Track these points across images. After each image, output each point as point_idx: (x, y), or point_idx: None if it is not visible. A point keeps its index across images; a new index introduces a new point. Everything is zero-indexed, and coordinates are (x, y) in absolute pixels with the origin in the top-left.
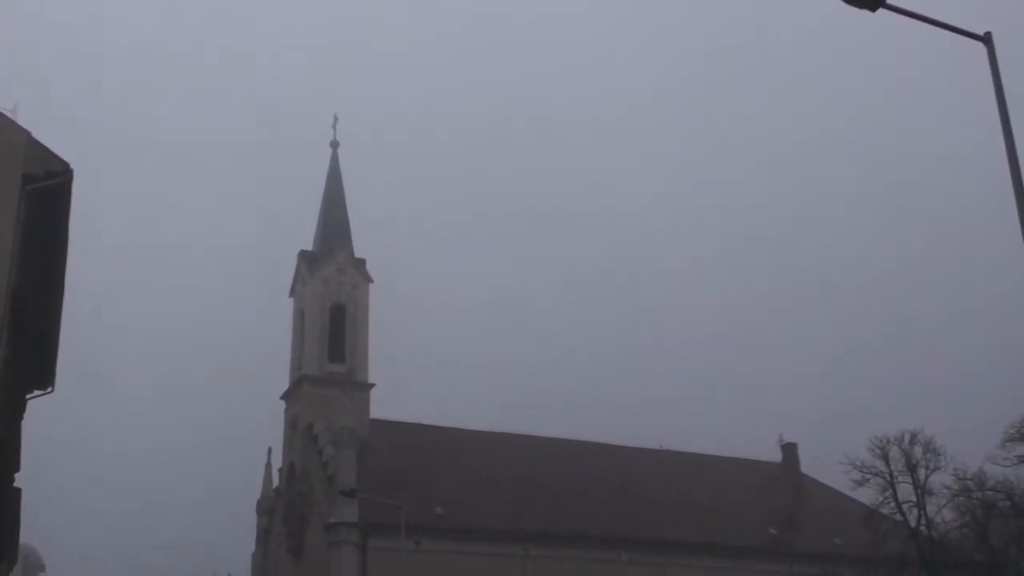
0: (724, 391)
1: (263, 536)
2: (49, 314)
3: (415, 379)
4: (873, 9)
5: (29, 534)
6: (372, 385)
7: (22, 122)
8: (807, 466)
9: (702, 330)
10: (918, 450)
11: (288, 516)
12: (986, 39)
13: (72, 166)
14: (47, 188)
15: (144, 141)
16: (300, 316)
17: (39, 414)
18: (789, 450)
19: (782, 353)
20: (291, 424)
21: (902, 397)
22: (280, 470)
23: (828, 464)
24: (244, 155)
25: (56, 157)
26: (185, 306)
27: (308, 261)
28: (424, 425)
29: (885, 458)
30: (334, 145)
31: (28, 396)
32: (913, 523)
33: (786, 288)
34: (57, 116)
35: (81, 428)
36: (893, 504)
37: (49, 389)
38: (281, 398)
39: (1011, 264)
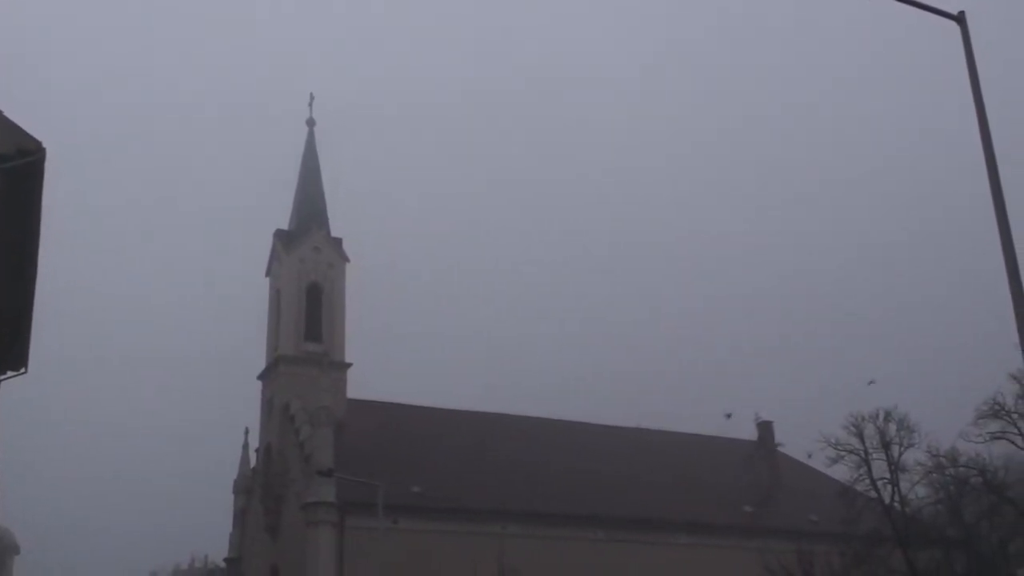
0: (701, 370)
1: (240, 516)
2: (21, 295)
3: (393, 359)
4: None
5: (3, 516)
6: (349, 365)
7: None
8: (783, 444)
9: (679, 310)
10: (892, 427)
11: (265, 496)
12: (959, 19)
13: (44, 144)
14: (19, 167)
15: (118, 118)
16: (276, 296)
17: (12, 397)
18: (765, 428)
19: (759, 333)
20: (268, 404)
21: (878, 375)
22: (257, 450)
23: (803, 442)
24: (220, 131)
25: (28, 135)
26: (160, 287)
27: (284, 240)
28: (401, 404)
29: (860, 435)
30: (310, 123)
31: (1, 378)
32: (887, 499)
33: (764, 268)
34: (30, 92)
35: (56, 410)
36: (867, 481)
37: (23, 371)
38: (258, 378)
39: (986, 242)
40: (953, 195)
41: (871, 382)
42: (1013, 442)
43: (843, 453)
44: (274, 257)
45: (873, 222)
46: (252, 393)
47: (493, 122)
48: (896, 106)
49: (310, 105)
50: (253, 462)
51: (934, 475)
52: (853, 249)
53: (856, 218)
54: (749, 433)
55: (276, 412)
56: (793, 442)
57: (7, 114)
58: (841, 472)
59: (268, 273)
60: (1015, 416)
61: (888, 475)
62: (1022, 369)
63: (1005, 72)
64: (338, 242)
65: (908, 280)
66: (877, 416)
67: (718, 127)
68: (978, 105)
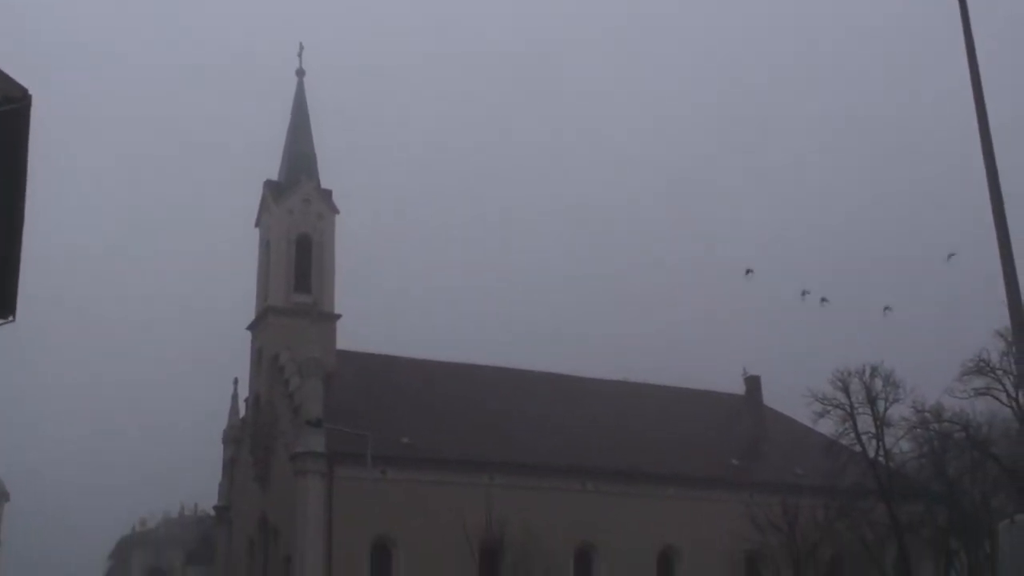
0: (690, 324)
1: (229, 466)
2: (9, 242)
3: (382, 311)
4: None
5: None
6: (338, 316)
7: None
8: (769, 398)
9: (669, 264)
10: (878, 383)
11: (254, 446)
12: None
13: (30, 91)
14: (5, 114)
15: (106, 61)
16: (266, 247)
17: (0, 345)
18: (752, 383)
19: (745, 287)
20: (257, 355)
21: (864, 331)
22: (246, 400)
23: (790, 396)
24: (210, 80)
25: (14, 82)
26: (150, 235)
27: (273, 191)
28: (390, 356)
29: (846, 391)
30: (300, 74)
31: None
32: (872, 454)
33: (752, 223)
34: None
35: (45, 358)
36: (853, 435)
37: (10, 318)
38: (247, 329)
39: (975, 199)
40: (945, 153)
41: (823, 300)
42: (997, 398)
43: (829, 408)
44: (264, 208)
45: (861, 185)
46: (242, 344)
47: (485, 74)
48: (886, 63)
49: (299, 55)
50: (242, 412)
51: (918, 430)
52: (840, 205)
53: (846, 172)
54: (736, 387)
55: (265, 363)
56: (780, 397)
57: None
58: (827, 427)
59: (258, 224)
60: (1000, 373)
61: (873, 430)
62: (1008, 326)
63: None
64: (328, 193)
65: (896, 236)
66: (863, 371)
67: (706, 85)
68: (971, 62)
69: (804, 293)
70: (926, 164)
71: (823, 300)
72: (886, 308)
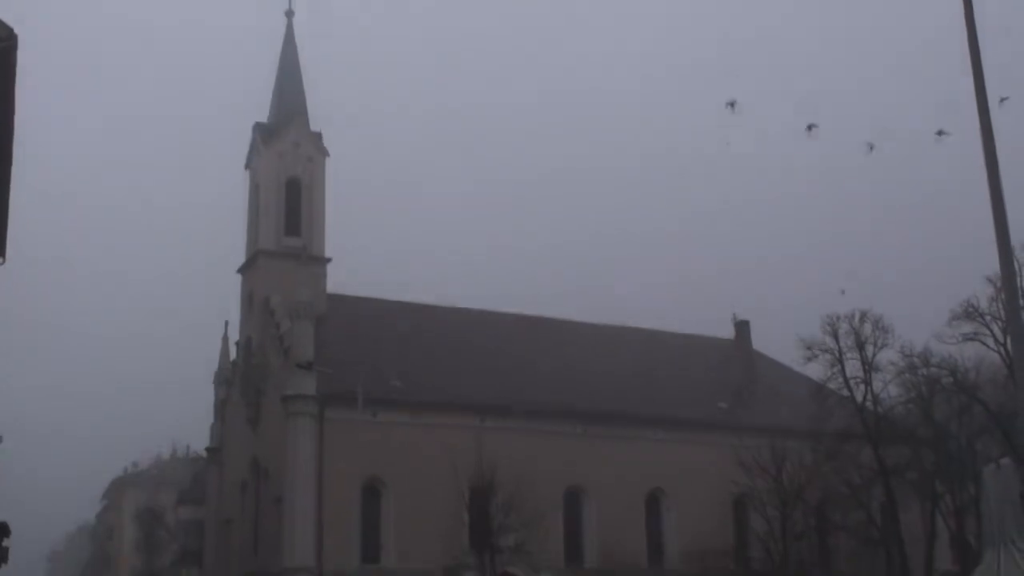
0: (681, 269)
1: (221, 408)
2: None
3: (373, 254)
4: None
5: None
6: (328, 259)
7: None
8: (759, 343)
9: (662, 212)
10: (867, 328)
11: (246, 388)
12: None
13: (16, 31)
14: None
15: (97, 6)
16: (255, 189)
17: None
18: (742, 327)
19: (739, 233)
20: (248, 298)
21: (855, 277)
22: (237, 343)
23: (780, 341)
24: (198, 19)
25: (0, 22)
26: (140, 178)
27: (263, 134)
28: (381, 300)
29: (835, 335)
30: (289, 15)
31: None
32: (859, 398)
33: (744, 172)
34: None
35: (36, 302)
36: (841, 380)
37: (0, 261)
38: (238, 272)
39: (967, 148)
40: (935, 103)
41: (843, 291)
42: (985, 343)
43: (818, 353)
44: (253, 150)
45: (853, 129)
46: (232, 287)
47: (477, 17)
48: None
49: None
50: (233, 355)
51: (906, 375)
52: (833, 151)
53: (837, 121)
54: (726, 332)
55: (256, 306)
56: (769, 342)
57: None
58: (815, 371)
59: (248, 167)
60: (988, 318)
61: (861, 374)
62: (997, 272)
63: None
64: (318, 136)
65: (887, 183)
66: (852, 316)
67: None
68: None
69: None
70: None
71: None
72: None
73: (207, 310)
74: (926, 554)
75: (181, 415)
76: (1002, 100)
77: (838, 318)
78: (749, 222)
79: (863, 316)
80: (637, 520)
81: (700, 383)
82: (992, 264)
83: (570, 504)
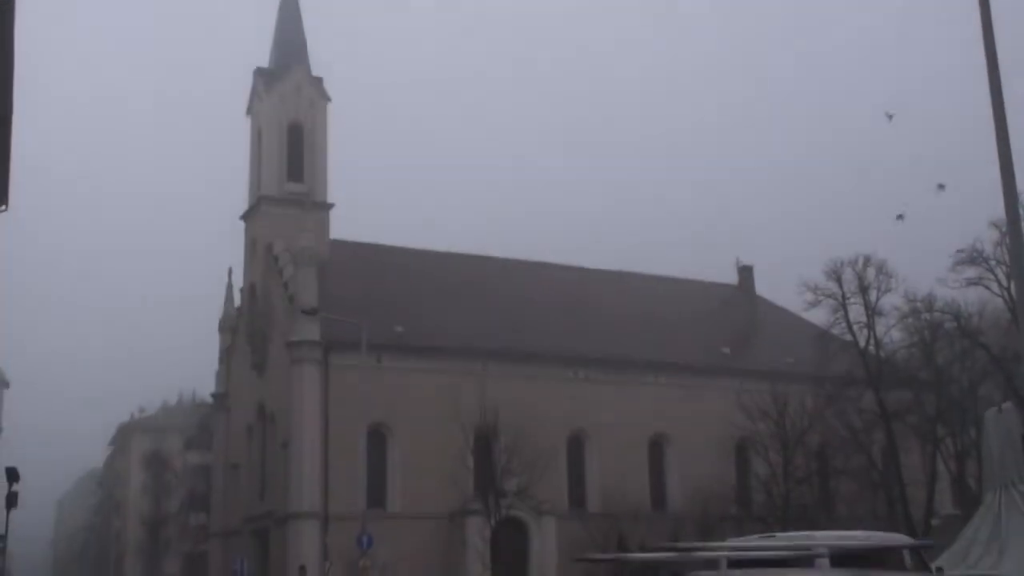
0: (686, 214)
1: (226, 354)
2: None
3: (376, 200)
4: None
5: None
6: (331, 205)
7: None
8: (762, 288)
9: (666, 156)
10: (871, 272)
11: (251, 335)
12: None
13: None
14: None
15: None
16: (257, 135)
17: None
18: (745, 273)
19: (744, 179)
20: (251, 244)
21: (859, 222)
22: (241, 290)
23: (783, 287)
24: None
25: None
26: (142, 123)
27: (264, 79)
28: (384, 246)
29: (838, 280)
30: None
31: None
32: (862, 343)
33: (748, 111)
34: None
35: (42, 250)
36: (844, 325)
37: (3, 208)
38: (241, 218)
39: (972, 87)
40: (939, 40)
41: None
42: (989, 288)
43: (821, 298)
44: (254, 96)
45: (858, 67)
46: (236, 233)
47: None
48: None
49: None
50: (237, 301)
51: (909, 320)
52: (835, 92)
53: (837, 58)
54: (730, 277)
55: (259, 252)
56: (773, 287)
57: None
58: (819, 316)
59: (249, 112)
60: (993, 263)
61: (864, 319)
62: (1002, 216)
63: None
64: (319, 81)
65: (891, 126)
66: (856, 261)
67: None
68: None
69: (889, 116)
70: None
71: (890, 116)
72: (889, 115)
73: (211, 257)
74: (927, 497)
75: (186, 361)
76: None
77: (842, 263)
78: (754, 168)
79: (867, 261)
80: (640, 464)
81: (703, 328)
82: (997, 209)
83: (573, 448)
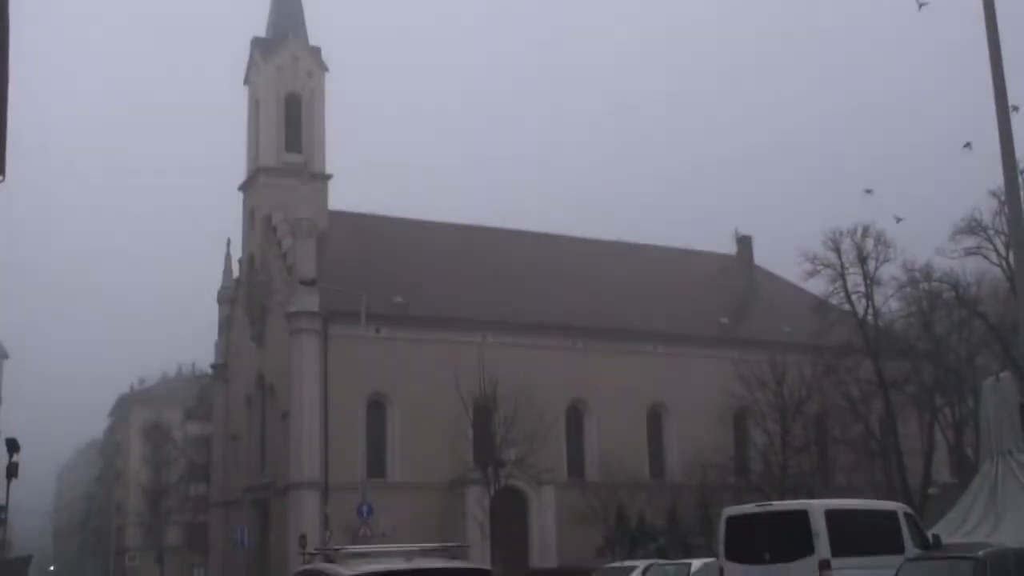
0: (684, 184)
1: (225, 325)
2: None
3: (374, 171)
4: None
5: None
6: (330, 176)
7: None
8: (761, 258)
9: (664, 126)
10: (869, 242)
11: (249, 305)
12: None
13: None
14: None
15: None
16: (255, 105)
17: None
18: (744, 243)
19: (742, 148)
20: (249, 215)
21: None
22: (240, 260)
23: (782, 256)
24: None
25: None
26: (139, 92)
27: (261, 49)
28: (383, 216)
29: (837, 250)
30: None
31: None
32: (861, 313)
33: (744, 84)
34: None
35: (40, 220)
36: (842, 294)
37: (0, 178)
38: (239, 189)
39: (972, 57)
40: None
41: (868, 191)
42: (988, 257)
43: (820, 267)
44: (252, 66)
45: (856, 32)
46: (234, 204)
47: None
48: None
49: None
50: (236, 272)
51: (908, 289)
52: (835, 57)
53: (834, 27)
54: (728, 247)
55: (258, 223)
56: (771, 257)
57: None
58: (817, 286)
59: (246, 82)
60: (991, 232)
61: (863, 289)
62: (1001, 186)
63: None
64: (317, 51)
65: (892, 94)
66: (855, 231)
67: None
68: None
69: (868, 191)
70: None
71: (868, 191)
72: (867, 190)
73: (210, 227)
74: (924, 466)
75: (186, 333)
76: (867, 191)
77: (840, 233)
78: (752, 137)
79: (865, 231)
80: (638, 434)
81: (702, 298)
82: (996, 178)
83: (572, 418)
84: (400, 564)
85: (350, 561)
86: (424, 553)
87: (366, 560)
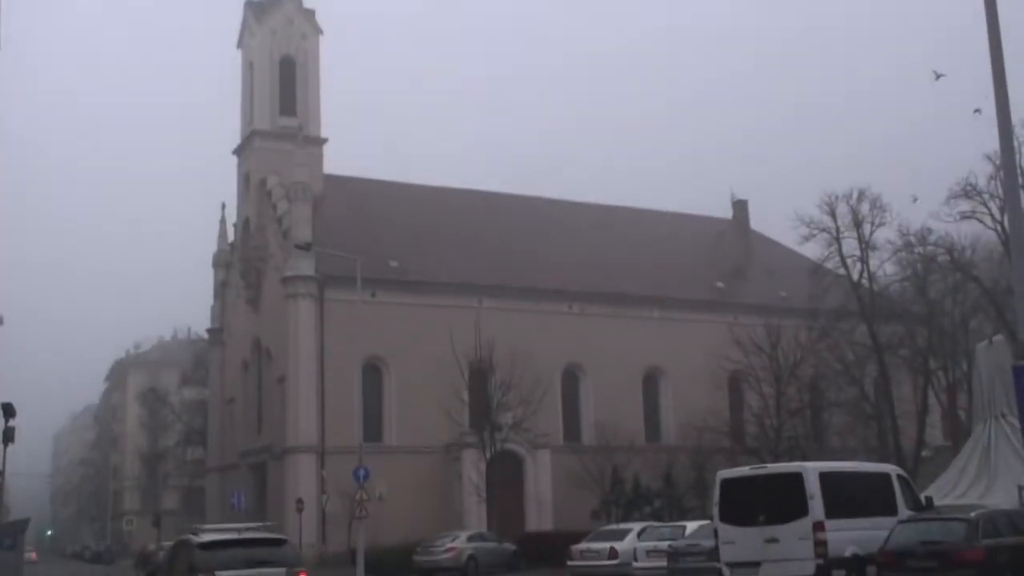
0: (679, 148)
1: (221, 289)
2: None
3: (370, 136)
4: None
5: None
6: (325, 140)
7: None
8: (757, 223)
9: (659, 89)
10: (865, 206)
11: (245, 270)
12: None
13: None
14: None
15: None
16: (249, 68)
17: None
18: (740, 207)
19: (738, 112)
20: (244, 179)
21: (854, 156)
22: (235, 224)
23: (778, 221)
24: None
25: None
26: (134, 54)
27: (255, 11)
28: (378, 180)
29: (832, 214)
30: None
31: None
32: (856, 277)
33: (740, 48)
34: None
35: (35, 184)
36: (838, 258)
37: None
38: (233, 153)
39: (967, 24)
40: None
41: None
42: (982, 221)
43: (815, 231)
44: (245, 28)
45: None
46: (228, 168)
47: None
48: None
49: None
50: (231, 237)
51: (903, 253)
52: (831, 25)
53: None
54: (724, 212)
55: (253, 187)
56: (767, 221)
57: None
58: (812, 250)
59: (240, 45)
60: (986, 196)
61: (858, 253)
62: (996, 150)
63: None
64: (311, 13)
65: (886, 59)
66: (850, 195)
67: None
68: None
69: (938, 76)
70: None
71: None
72: (938, 75)
73: (207, 190)
74: (918, 429)
75: (181, 297)
76: (938, 76)
77: (836, 197)
78: (749, 101)
79: (861, 195)
80: (634, 397)
81: (697, 262)
82: (992, 142)
83: (568, 382)
84: (233, 535)
85: (204, 533)
86: (249, 529)
87: (215, 532)
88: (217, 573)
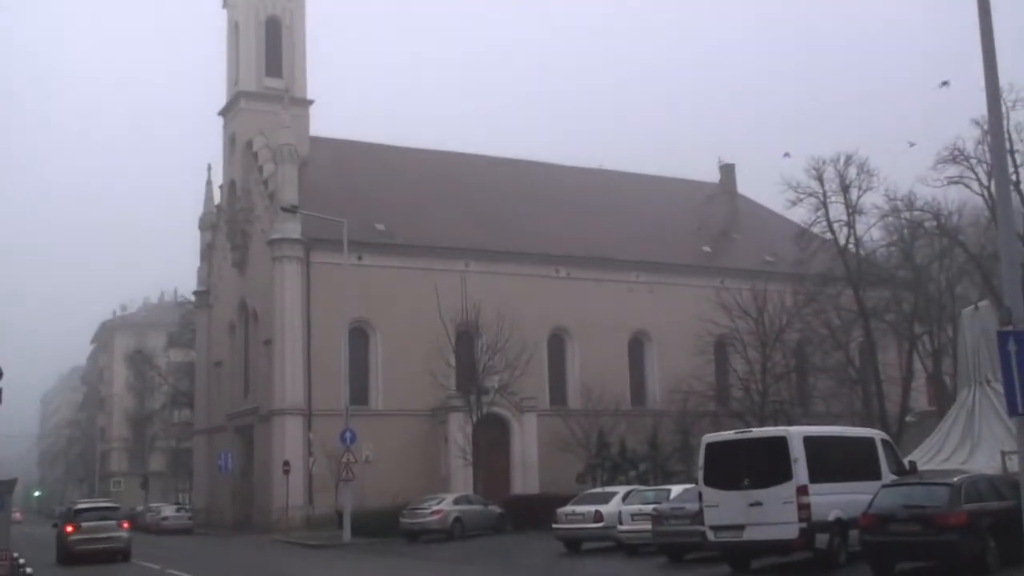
0: (668, 113)
1: (207, 252)
2: None
3: (356, 98)
4: None
5: None
6: (311, 101)
7: None
8: (744, 187)
9: (648, 53)
10: (852, 171)
11: (231, 232)
12: None
13: None
14: None
15: None
16: (234, 28)
17: None
18: (727, 171)
19: (724, 73)
20: (230, 140)
21: (843, 120)
22: (221, 186)
23: (765, 185)
24: None
25: None
26: (119, 13)
27: None
28: (365, 143)
29: (820, 179)
30: None
31: None
32: (842, 241)
33: (730, 13)
34: None
35: (23, 147)
36: (825, 223)
37: None
38: (219, 114)
39: None
40: None
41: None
42: (969, 187)
43: (802, 196)
44: None
45: None
46: (214, 129)
47: None
48: None
49: None
50: (217, 198)
51: (890, 218)
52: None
53: None
54: (712, 176)
55: (238, 149)
56: (755, 185)
57: None
58: (799, 214)
59: (225, 4)
60: (974, 161)
61: (845, 218)
62: (984, 114)
63: None
64: None
65: (874, 24)
66: (838, 160)
67: None
68: None
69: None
70: None
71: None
72: (943, 83)
73: (193, 151)
74: (902, 394)
75: (168, 258)
76: (942, 84)
77: (823, 162)
78: (737, 65)
79: (848, 159)
80: (620, 361)
81: (684, 226)
82: (979, 107)
83: (554, 346)
84: (91, 504)
85: (79, 503)
86: (100, 502)
87: (85, 502)
88: (83, 524)
